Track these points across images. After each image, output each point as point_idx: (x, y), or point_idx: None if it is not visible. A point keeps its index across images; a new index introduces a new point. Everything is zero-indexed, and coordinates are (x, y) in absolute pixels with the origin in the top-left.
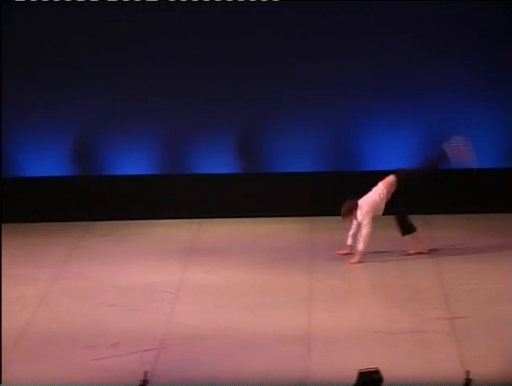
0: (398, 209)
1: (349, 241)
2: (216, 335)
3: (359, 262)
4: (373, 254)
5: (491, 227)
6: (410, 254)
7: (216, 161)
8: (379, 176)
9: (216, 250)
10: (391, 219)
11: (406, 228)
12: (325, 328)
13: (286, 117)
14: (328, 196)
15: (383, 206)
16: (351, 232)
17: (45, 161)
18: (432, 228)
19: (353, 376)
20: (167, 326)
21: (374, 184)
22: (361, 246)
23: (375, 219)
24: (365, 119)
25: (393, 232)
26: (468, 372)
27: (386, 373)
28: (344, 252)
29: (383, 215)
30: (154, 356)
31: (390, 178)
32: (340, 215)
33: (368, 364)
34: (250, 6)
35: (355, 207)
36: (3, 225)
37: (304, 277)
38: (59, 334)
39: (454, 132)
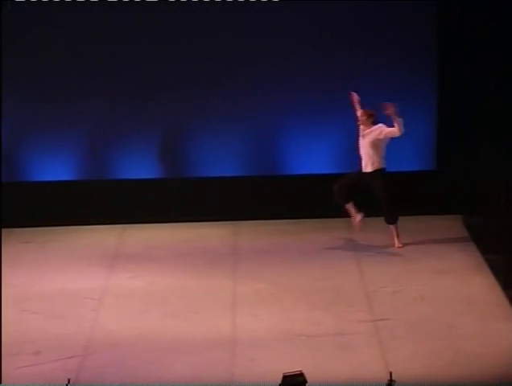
0: (386, 196)
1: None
2: (140, 341)
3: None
4: (297, 257)
5: (411, 229)
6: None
7: (139, 165)
8: (302, 180)
9: (140, 256)
10: (318, 221)
11: (392, 217)
12: (250, 332)
13: (208, 121)
14: (251, 200)
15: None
16: None
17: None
18: (353, 230)
19: (278, 379)
20: (90, 332)
21: (300, 188)
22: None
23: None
24: (288, 122)
25: (319, 234)
26: (391, 373)
27: (310, 376)
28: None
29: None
30: (77, 363)
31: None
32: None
33: (292, 367)
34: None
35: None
36: None
37: (228, 281)
38: None
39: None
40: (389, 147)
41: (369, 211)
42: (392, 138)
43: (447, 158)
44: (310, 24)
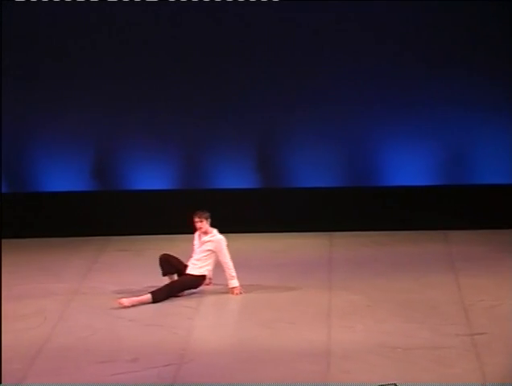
0: None
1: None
2: (234, 351)
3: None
4: (392, 269)
5: (506, 242)
6: None
7: (235, 175)
8: (398, 191)
9: (234, 265)
10: (412, 234)
11: None
12: (344, 343)
13: (306, 131)
14: (347, 211)
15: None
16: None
17: (63, 176)
18: (450, 243)
19: None
20: (186, 340)
21: (395, 199)
22: None
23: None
24: (386, 134)
25: (413, 246)
26: None
27: None
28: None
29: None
30: (173, 371)
31: None
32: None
33: (386, 380)
34: (263, 21)
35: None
36: (23, 241)
37: (323, 292)
38: (77, 349)
39: (470, 144)
40: (491, 158)
41: (467, 223)
42: None
43: None
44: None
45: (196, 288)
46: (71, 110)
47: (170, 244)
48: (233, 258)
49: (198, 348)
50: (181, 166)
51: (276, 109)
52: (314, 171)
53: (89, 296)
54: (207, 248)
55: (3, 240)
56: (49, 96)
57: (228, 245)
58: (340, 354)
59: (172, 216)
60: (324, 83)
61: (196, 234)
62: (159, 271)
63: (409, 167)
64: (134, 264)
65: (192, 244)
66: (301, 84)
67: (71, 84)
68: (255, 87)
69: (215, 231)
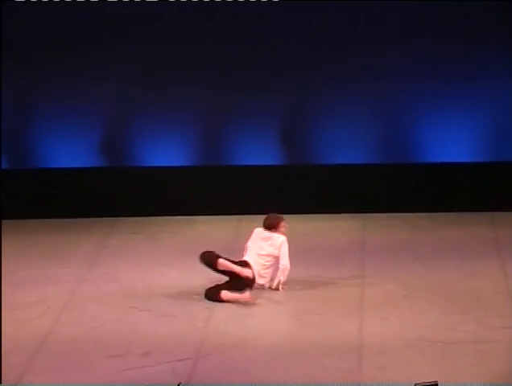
0: None
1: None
2: (256, 344)
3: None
4: (431, 255)
5: None
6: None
7: (258, 151)
8: (438, 169)
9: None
10: (455, 215)
11: None
12: (378, 337)
13: (337, 103)
14: (382, 191)
15: None
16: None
17: (69, 151)
18: (496, 226)
19: None
20: (203, 333)
21: (434, 177)
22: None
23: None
24: (425, 105)
25: (456, 230)
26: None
27: None
28: None
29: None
30: (189, 367)
31: None
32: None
33: (425, 377)
34: None
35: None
36: (24, 222)
37: (355, 281)
38: (85, 341)
39: None
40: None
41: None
42: None
43: None
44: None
45: None
46: (80, 81)
47: (187, 227)
48: None
49: (217, 341)
50: (200, 141)
51: (304, 80)
52: (344, 146)
53: (98, 283)
54: (275, 254)
55: (3, 221)
56: (58, 68)
57: (250, 228)
58: (373, 349)
59: (190, 195)
60: (355, 54)
61: (259, 237)
62: (175, 256)
63: (451, 142)
64: (146, 248)
65: (246, 245)
66: (332, 54)
67: (81, 54)
68: (281, 56)
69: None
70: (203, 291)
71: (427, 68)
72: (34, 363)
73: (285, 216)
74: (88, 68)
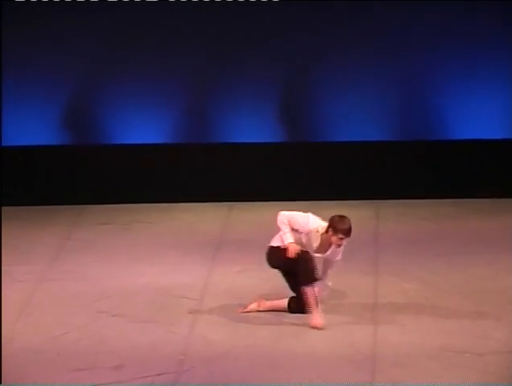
0: None
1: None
2: (250, 354)
3: None
4: (457, 249)
5: None
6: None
7: (252, 127)
8: (466, 147)
9: (250, 243)
10: (485, 202)
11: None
12: (393, 346)
13: (344, 73)
14: (398, 173)
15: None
16: None
17: (27, 127)
18: None
19: None
20: (186, 342)
21: (459, 158)
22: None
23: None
24: (449, 76)
25: (485, 219)
26: None
27: None
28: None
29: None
30: (169, 382)
31: None
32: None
33: None
34: None
35: None
36: None
37: (367, 279)
38: (46, 352)
39: None
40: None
41: None
42: None
43: None
44: None
45: None
46: (42, 45)
47: (167, 216)
48: (254, 233)
49: (202, 352)
50: (182, 115)
51: (306, 46)
52: (354, 121)
53: (61, 283)
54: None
55: None
56: (17, 28)
57: (242, 217)
58: (388, 359)
59: (170, 179)
60: (367, 17)
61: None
62: (152, 251)
63: (480, 117)
64: (118, 241)
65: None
66: (339, 15)
67: (43, 13)
68: (279, 15)
69: None
70: (185, 292)
71: (456, 34)
72: None
73: (284, 203)
74: (50, 29)
